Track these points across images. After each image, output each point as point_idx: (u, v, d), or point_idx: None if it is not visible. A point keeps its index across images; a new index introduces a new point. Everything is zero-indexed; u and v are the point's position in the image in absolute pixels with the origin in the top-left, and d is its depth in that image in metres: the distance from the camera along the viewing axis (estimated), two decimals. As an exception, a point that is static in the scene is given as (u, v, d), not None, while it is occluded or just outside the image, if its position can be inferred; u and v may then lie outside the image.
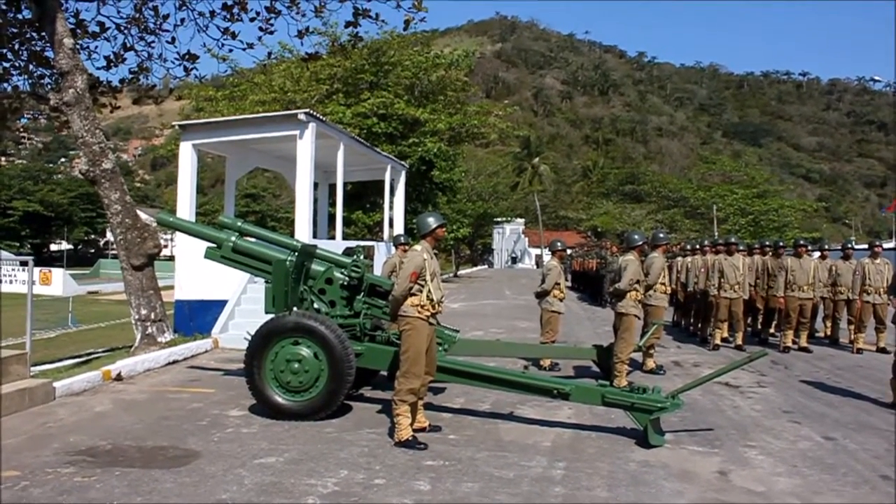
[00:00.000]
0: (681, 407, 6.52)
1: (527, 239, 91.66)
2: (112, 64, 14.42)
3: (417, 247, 6.38)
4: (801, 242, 13.29)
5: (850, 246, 13.66)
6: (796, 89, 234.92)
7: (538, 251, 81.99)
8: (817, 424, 7.25)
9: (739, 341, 12.66)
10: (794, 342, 12.66)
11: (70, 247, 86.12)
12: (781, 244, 13.67)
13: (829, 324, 13.80)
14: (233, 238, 8.24)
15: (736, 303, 12.56)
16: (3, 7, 12.57)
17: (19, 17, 13.06)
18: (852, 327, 12.93)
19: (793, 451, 6.27)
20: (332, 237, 18.33)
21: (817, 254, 13.78)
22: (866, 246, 13.82)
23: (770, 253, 13.62)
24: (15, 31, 12.98)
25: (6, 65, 13.56)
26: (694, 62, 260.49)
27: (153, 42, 14.47)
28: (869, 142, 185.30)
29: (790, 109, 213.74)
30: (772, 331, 13.80)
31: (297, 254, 7.78)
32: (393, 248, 12.83)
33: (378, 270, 13.67)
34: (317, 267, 7.98)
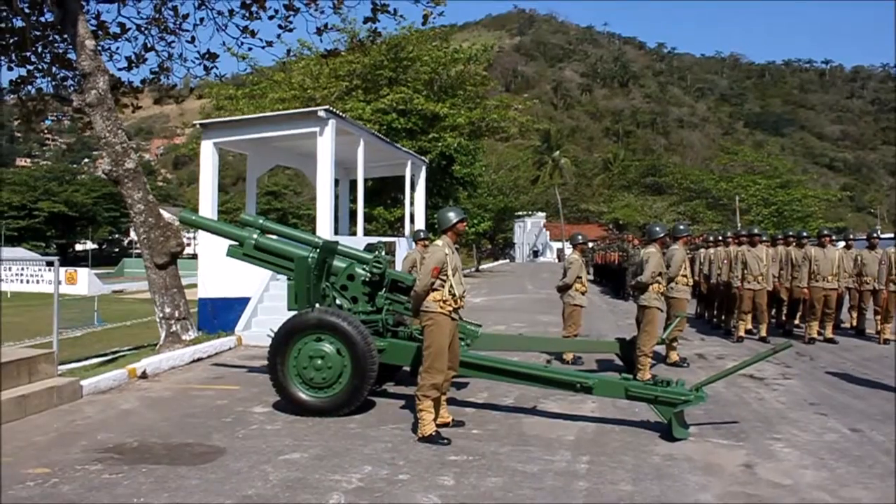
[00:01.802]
0: (705, 400, 6.48)
1: (548, 233, 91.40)
2: (133, 64, 14.52)
3: (439, 242, 6.37)
4: (825, 232, 13.15)
5: (875, 235, 13.51)
6: (819, 77, 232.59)
7: (559, 245, 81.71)
8: (844, 416, 7.18)
9: (764, 333, 12.57)
10: (819, 333, 12.56)
11: (95, 246, 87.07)
12: (805, 234, 13.54)
13: (854, 314, 13.68)
14: (255, 236, 8.28)
15: (760, 294, 12.46)
16: (27, 11, 12.70)
17: (42, 20, 13.19)
18: (879, 317, 12.80)
19: (819, 443, 6.22)
20: (354, 233, 18.38)
21: (842, 243, 13.65)
22: (892, 235, 13.67)
23: (794, 243, 13.49)
24: (38, 34, 13.11)
25: (30, 67, 13.72)
26: (714, 52, 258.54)
27: (173, 42, 14.59)
28: (894, 129, 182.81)
29: (813, 98, 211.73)
30: (796, 322, 13.69)
31: (318, 250, 7.80)
32: (413, 244, 12.84)
33: (399, 266, 13.70)
34: (339, 263, 8.01)
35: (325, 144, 14.20)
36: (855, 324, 13.64)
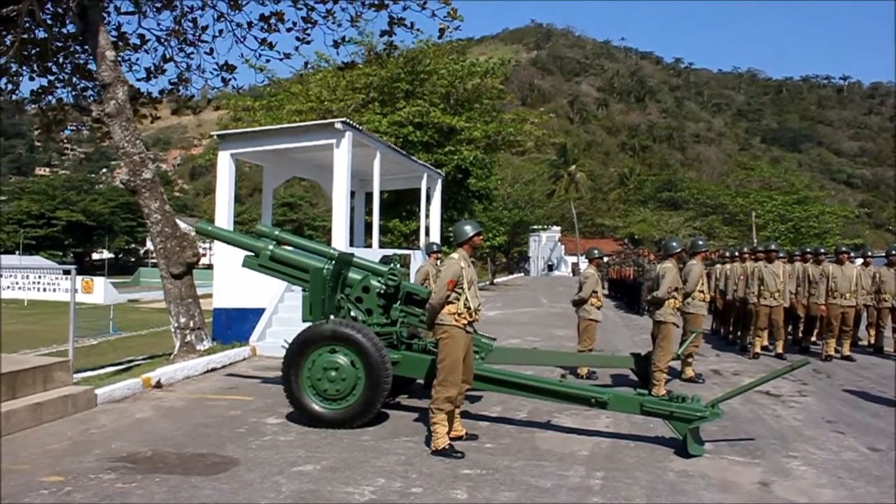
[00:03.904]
0: (721, 416, 6.43)
1: (563, 247, 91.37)
2: (152, 75, 14.64)
3: (455, 255, 6.36)
4: (843, 249, 13.08)
5: (894, 252, 13.38)
6: (837, 94, 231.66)
7: (574, 259, 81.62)
8: (862, 434, 7.11)
9: (780, 350, 12.46)
10: (836, 350, 12.44)
11: (111, 255, 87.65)
12: (822, 251, 13.44)
13: (872, 332, 13.54)
14: (270, 247, 8.30)
15: (776, 311, 12.35)
16: (49, 22, 12.85)
17: (64, 31, 13.34)
18: (897, 335, 12.68)
19: (837, 461, 6.15)
20: (369, 245, 18.40)
21: (860, 260, 13.54)
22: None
23: (811, 260, 13.40)
24: (60, 44, 13.25)
25: (51, 78, 13.87)
26: (731, 67, 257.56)
27: (192, 53, 14.68)
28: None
29: (830, 114, 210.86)
30: (813, 339, 13.56)
31: (334, 262, 7.81)
32: (426, 256, 12.84)
33: (411, 279, 13.68)
34: (354, 275, 8.01)
35: (342, 156, 14.23)
36: (873, 341, 13.50)
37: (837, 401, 8.86)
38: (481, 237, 6.60)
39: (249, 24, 14.07)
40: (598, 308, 10.57)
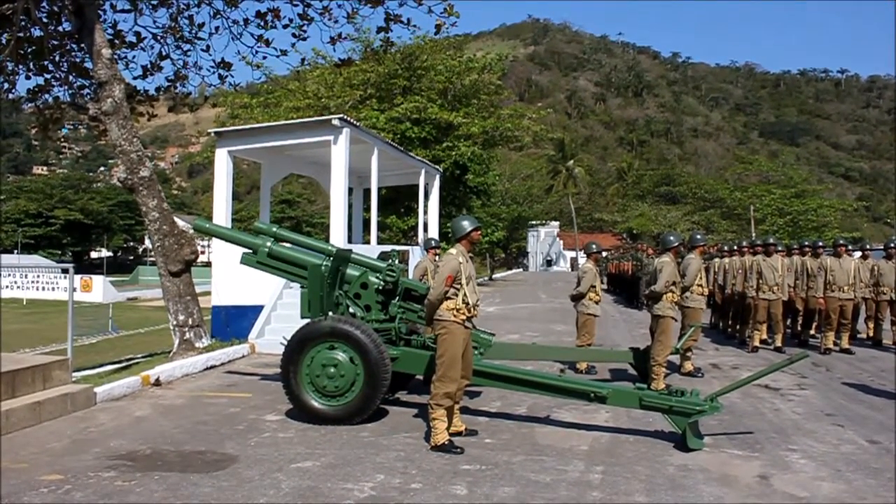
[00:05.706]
0: (720, 410, 6.44)
1: (561, 242, 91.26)
2: (149, 73, 14.61)
3: (453, 250, 6.36)
4: (841, 242, 13.09)
5: (892, 245, 13.39)
6: (835, 87, 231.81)
7: (573, 254, 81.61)
8: (861, 427, 7.11)
9: (779, 343, 12.46)
10: (835, 344, 12.45)
11: (110, 254, 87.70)
12: (821, 244, 13.43)
13: (871, 325, 13.56)
14: (268, 243, 8.29)
15: (775, 304, 12.37)
16: (45, 20, 12.81)
17: (60, 29, 13.31)
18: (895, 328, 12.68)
19: (836, 454, 6.16)
20: (367, 242, 18.40)
21: (858, 254, 13.55)
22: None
23: (809, 253, 13.40)
24: (56, 43, 13.22)
25: (47, 76, 13.84)
26: (729, 61, 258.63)
27: (189, 51, 14.63)
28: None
29: (828, 108, 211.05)
30: (812, 332, 13.58)
31: (332, 259, 7.80)
32: (424, 252, 12.83)
33: (410, 275, 13.68)
34: (352, 272, 8.01)
35: (340, 153, 14.22)
36: (871, 334, 13.52)
37: (836, 394, 8.87)
38: (479, 232, 6.59)
39: (246, 20, 14.02)
40: (597, 303, 10.56)
